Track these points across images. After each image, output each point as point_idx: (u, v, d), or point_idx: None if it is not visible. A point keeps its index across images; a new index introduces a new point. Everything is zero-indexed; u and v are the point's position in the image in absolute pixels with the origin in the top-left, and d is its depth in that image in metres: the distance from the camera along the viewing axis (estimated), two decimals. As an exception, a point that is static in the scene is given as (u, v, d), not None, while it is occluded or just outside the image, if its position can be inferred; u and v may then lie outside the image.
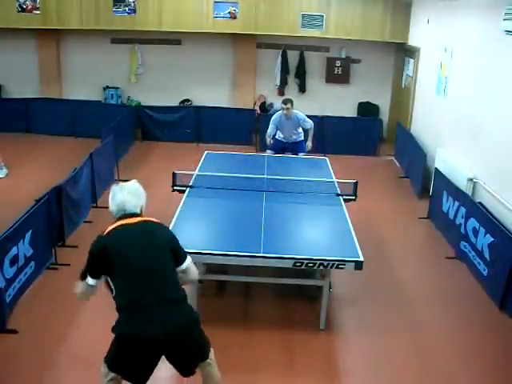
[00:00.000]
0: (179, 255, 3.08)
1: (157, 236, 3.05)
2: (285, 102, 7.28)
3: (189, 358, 3.02)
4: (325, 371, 3.96)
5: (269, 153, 7.46)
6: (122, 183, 3.28)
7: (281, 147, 7.53)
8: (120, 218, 3.10)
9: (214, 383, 3.18)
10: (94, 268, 3.00)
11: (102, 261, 2.94)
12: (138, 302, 2.86)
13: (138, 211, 3.13)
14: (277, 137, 7.55)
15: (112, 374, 2.98)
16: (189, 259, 3.13)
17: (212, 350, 3.15)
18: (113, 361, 2.96)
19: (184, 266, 3.09)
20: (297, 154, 7.43)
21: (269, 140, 7.50)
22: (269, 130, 7.46)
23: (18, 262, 4.49)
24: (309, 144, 7.54)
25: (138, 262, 2.90)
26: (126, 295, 2.90)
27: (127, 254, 2.91)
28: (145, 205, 3.21)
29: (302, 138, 7.60)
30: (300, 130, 7.57)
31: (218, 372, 3.20)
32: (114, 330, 2.94)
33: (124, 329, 2.88)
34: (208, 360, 3.10)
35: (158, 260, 2.96)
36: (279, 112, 7.42)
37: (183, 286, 3.07)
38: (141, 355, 2.85)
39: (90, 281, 3.01)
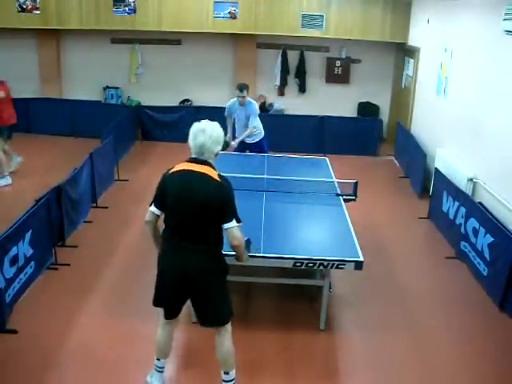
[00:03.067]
0: (223, 216, 3.18)
1: (207, 192, 3.15)
2: (240, 88, 6.68)
3: (204, 304, 3.34)
4: (325, 371, 3.96)
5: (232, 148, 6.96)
6: (205, 122, 3.29)
7: (242, 148, 7.07)
8: (191, 160, 3.26)
9: (222, 354, 3.43)
10: (155, 196, 3.33)
11: (160, 195, 3.28)
12: (171, 240, 3.28)
13: (211, 159, 3.25)
14: (236, 135, 7.07)
15: (161, 318, 3.50)
16: (232, 223, 3.19)
17: (229, 324, 3.42)
18: (154, 295, 3.44)
19: (225, 226, 3.20)
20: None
21: (229, 131, 6.94)
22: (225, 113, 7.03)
23: (18, 262, 4.49)
24: (236, 141, 6.90)
25: (180, 208, 3.19)
26: (165, 232, 3.32)
27: (175, 198, 3.19)
28: (216, 151, 3.27)
29: (262, 137, 7.10)
30: (259, 126, 7.06)
31: (231, 346, 3.43)
32: None
33: (159, 262, 3.37)
34: (222, 328, 3.39)
35: (197, 213, 3.15)
36: (234, 99, 6.97)
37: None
38: (168, 285, 3.33)
39: (152, 207, 3.32)
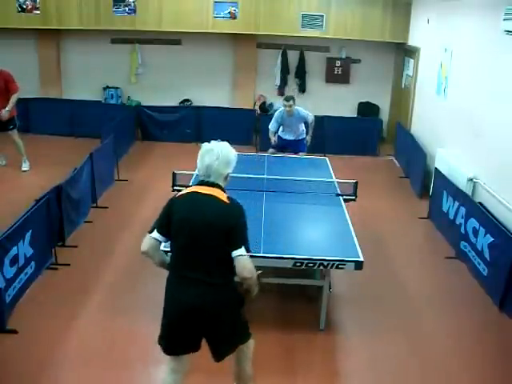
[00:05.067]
0: (232, 242, 2.88)
1: (214, 213, 2.91)
2: (287, 98, 7.25)
3: (216, 342, 3.05)
4: (325, 371, 3.96)
5: (270, 151, 7.46)
6: (214, 142, 3.08)
7: (282, 145, 7.54)
8: (199, 183, 3.06)
9: (238, 373, 3.30)
10: (159, 221, 3.06)
11: (166, 219, 3.01)
12: (179, 270, 2.99)
13: (220, 181, 3.02)
14: (279, 133, 7.53)
15: (167, 361, 3.12)
16: (241, 251, 2.86)
17: (250, 343, 3.24)
18: (160, 335, 3.09)
19: (233, 254, 2.87)
20: (297, 153, 7.43)
21: (273, 139, 7.41)
22: (271, 127, 7.41)
23: (18, 262, 4.49)
24: (308, 139, 7.55)
25: (186, 232, 2.93)
26: (173, 259, 3.04)
27: (183, 223, 2.95)
28: (226, 173, 3.05)
29: (304, 136, 7.60)
30: (303, 126, 7.56)
31: (248, 368, 3.28)
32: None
33: (165, 294, 3.05)
34: (239, 347, 3.16)
35: (204, 237, 2.90)
36: (282, 108, 7.39)
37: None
38: (175, 322, 2.99)
39: (154, 233, 3.02)
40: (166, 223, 3.01)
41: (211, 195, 2.96)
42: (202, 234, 2.90)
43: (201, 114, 10.21)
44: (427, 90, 8.45)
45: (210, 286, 2.92)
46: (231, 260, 2.88)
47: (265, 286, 4.90)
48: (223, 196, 2.98)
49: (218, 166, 2.99)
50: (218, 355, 3.08)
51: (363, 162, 9.48)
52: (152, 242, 3.01)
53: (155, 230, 3.02)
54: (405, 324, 4.61)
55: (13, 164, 8.22)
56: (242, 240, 2.91)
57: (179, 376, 3.14)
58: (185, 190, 3.10)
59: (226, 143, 3.10)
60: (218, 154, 2.99)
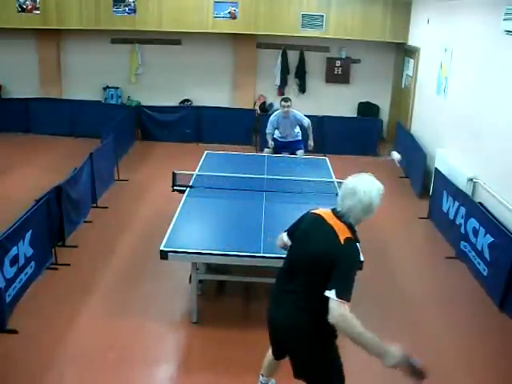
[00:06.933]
0: (327, 281, 2.66)
1: (325, 246, 2.73)
2: (285, 99, 7.51)
3: (294, 362, 3.07)
4: None
5: (266, 151, 7.59)
6: (361, 181, 2.80)
7: (279, 146, 7.64)
8: (333, 211, 2.85)
9: None
10: (290, 227, 3.12)
11: (294, 225, 3.07)
12: (280, 283, 3.01)
13: (353, 222, 2.77)
14: (275, 136, 7.67)
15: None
16: (331, 293, 2.61)
17: None
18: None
19: (325, 294, 2.63)
20: (295, 153, 7.50)
21: (270, 141, 7.58)
22: (267, 131, 7.63)
23: (18, 262, 4.49)
24: (310, 143, 7.68)
25: (297, 252, 2.91)
26: (280, 271, 3.05)
27: (297, 241, 2.96)
28: (364, 219, 2.79)
29: (300, 138, 7.74)
30: (297, 129, 7.71)
31: None
32: None
33: (268, 302, 3.08)
34: None
35: (310, 266, 2.78)
36: (277, 112, 7.59)
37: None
38: (270, 334, 3.10)
39: (284, 235, 3.14)
40: (292, 229, 3.09)
41: (334, 229, 2.75)
42: (308, 258, 2.79)
43: (201, 114, 10.22)
44: (427, 90, 8.45)
45: (300, 308, 2.83)
46: (319, 288, 2.68)
47: (264, 287, 4.91)
48: (344, 235, 2.73)
49: (361, 211, 2.74)
50: (296, 374, 3.12)
51: (363, 162, 9.46)
52: (281, 238, 3.15)
53: (286, 232, 3.14)
54: (404, 324, 4.61)
55: (13, 164, 8.22)
56: (337, 283, 2.65)
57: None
58: (318, 211, 2.95)
59: (373, 183, 2.80)
60: (361, 198, 2.72)
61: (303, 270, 2.82)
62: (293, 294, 2.86)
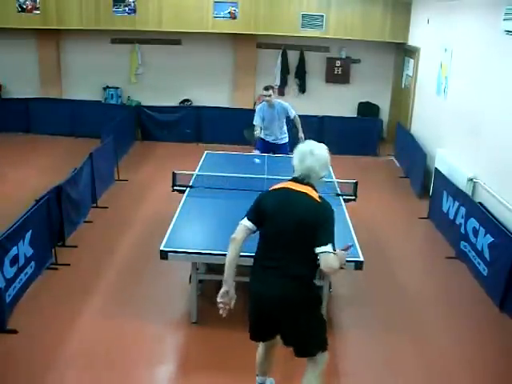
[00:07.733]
0: (317, 238, 2.91)
1: (305, 210, 2.99)
2: (266, 88, 6.93)
3: (288, 335, 3.13)
4: (324, 371, 3.95)
5: (256, 152, 7.18)
6: (311, 143, 3.13)
7: (267, 148, 7.24)
8: (293, 180, 3.11)
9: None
10: (249, 212, 3.17)
11: (256, 209, 3.13)
12: (262, 260, 3.11)
13: (315, 182, 3.08)
14: (262, 136, 7.21)
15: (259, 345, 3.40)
16: (326, 248, 2.87)
17: (323, 357, 3.19)
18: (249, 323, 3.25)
19: (317, 250, 2.89)
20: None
21: (258, 131, 7.00)
22: (255, 122, 7.06)
23: (18, 262, 4.49)
24: (301, 135, 7.07)
25: (276, 227, 3.03)
26: (259, 250, 3.15)
27: (272, 216, 3.05)
28: (322, 176, 3.11)
29: (287, 141, 7.32)
30: (285, 128, 7.30)
31: (316, 381, 3.21)
32: None
33: (250, 283, 3.18)
34: (311, 360, 3.18)
35: (292, 230, 2.98)
36: (263, 102, 7.15)
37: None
38: (256, 311, 3.17)
39: (245, 221, 3.13)
40: (255, 214, 3.12)
41: (305, 193, 3.03)
42: (290, 228, 2.98)
43: (201, 114, 10.22)
44: (427, 89, 8.45)
45: (290, 278, 3.00)
46: (314, 258, 2.92)
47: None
48: (315, 195, 3.04)
49: (320, 168, 3.05)
50: (298, 352, 3.16)
51: (363, 162, 9.48)
52: (242, 229, 3.12)
53: (246, 218, 3.14)
54: (405, 324, 4.61)
55: (13, 164, 8.23)
56: (328, 238, 2.93)
57: (270, 348, 3.39)
58: (278, 185, 3.16)
59: (322, 145, 3.13)
60: (319, 157, 3.05)
61: (287, 241, 2.99)
62: (278, 267, 3.01)
